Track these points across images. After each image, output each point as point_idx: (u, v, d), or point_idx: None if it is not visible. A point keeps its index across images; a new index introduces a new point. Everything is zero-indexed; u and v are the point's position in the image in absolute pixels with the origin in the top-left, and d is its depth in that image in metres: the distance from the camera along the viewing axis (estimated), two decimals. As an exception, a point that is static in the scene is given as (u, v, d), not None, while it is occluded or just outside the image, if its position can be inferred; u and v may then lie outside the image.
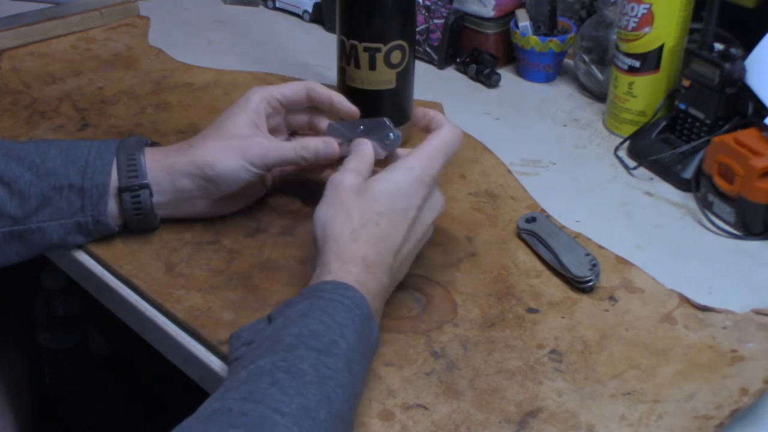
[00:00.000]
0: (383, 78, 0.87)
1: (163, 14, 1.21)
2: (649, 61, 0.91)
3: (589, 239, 0.77)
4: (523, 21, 1.05)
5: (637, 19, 0.89)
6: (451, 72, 1.09)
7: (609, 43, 0.99)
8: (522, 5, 1.06)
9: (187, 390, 0.70)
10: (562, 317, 0.69)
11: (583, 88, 1.05)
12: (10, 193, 0.70)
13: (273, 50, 1.13)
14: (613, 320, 0.68)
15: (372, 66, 0.86)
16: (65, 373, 1.25)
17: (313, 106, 0.78)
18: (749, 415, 0.62)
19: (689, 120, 0.87)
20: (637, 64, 0.91)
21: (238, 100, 0.75)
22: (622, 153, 0.92)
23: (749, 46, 0.84)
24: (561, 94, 1.04)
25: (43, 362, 1.24)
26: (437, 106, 1.00)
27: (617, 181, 0.87)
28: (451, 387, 0.62)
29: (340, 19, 0.86)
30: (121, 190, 0.71)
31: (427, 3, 1.07)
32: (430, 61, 1.10)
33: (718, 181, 0.79)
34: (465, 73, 1.07)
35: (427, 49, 1.09)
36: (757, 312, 0.69)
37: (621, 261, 0.75)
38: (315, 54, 1.11)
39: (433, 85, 1.05)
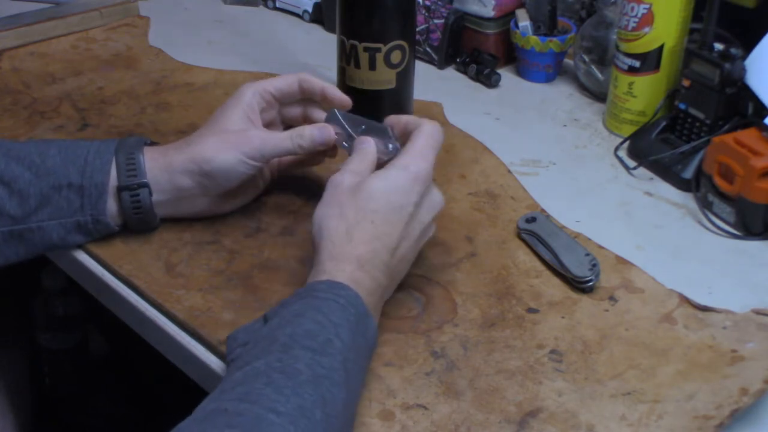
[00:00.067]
0: (383, 78, 0.87)
1: (163, 14, 1.21)
2: (649, 61, 0.91)
3: (589, 239, 0.77)
4: (523, 21, 1.05)
5: (637, 19, 0.89)
6: (451, 72, 1.09)
7: (609, 43, 0.99)
8: (522, 5, 1.06)
9: (187, 390, 0.70)
10: (562, 317, 0.69)
11: (583, 88, 1.05)
12: (9, 192, 0.70)
13: (273, 50, 1.13)
14: (613, 320, 0.68)
15: (372, 66, 0.86)
16: (65, 373, 1.25)
17: (307, 98, 0.78)
18: (749, 415, 0.62)
19: (689, 120, 0.87)
20: (637, 64, 0.91)
21: (231, 96, 0.75)
22: (622, 153, 0.92)
23: (749, 46, 0.84)
24: (561, 94, 1.04)
25: (43, 362, 1.24)
26: (437, 106, 1.00)
27: (617, 181, 0.87)
28: (451, 387, 0.62)
29: (340, 19, 0.87)
30: (120, 189, 0.71)
31: (427, 3, 1.07)
32: (430, 61, 1.10)
33: (718, 181, 0.79)
34: (465, 73, 1.07)
35: (427, 49, 1.09)
36: (757, 312, 0.69)
37: (621, 261, 0.75)
38: (315, 54, 1.11)
39: (433, 85, 1.05)
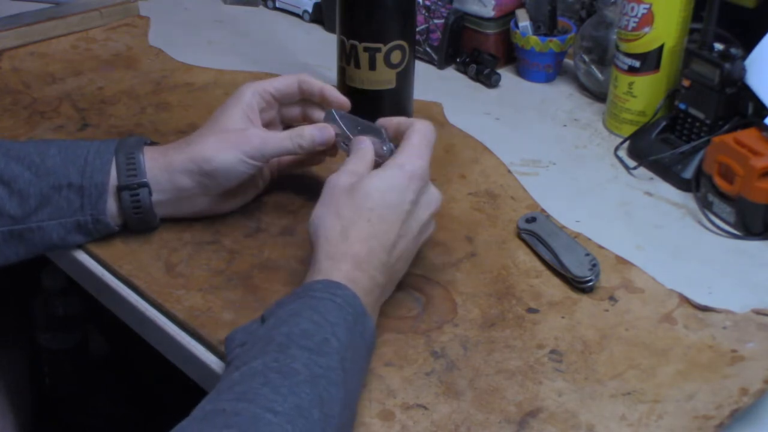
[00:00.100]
0: (383, 78, 0.87)
1: (163, 14, 1.21)
2: (649, 61, 0.91)
3: (589, 239, 0.77)
4: (523, 21, 1.05)
5: (637, 19, 0.89)
6: (451, 72, 1.09)
7: (609, 43, 0.99)
8: (522, 5, 1.06)
9: (187, 390, 0.70)
10: (562, 317, 0.69)
11: (583, 88, 1.05)
12: (9, 192, 0.70)
13: (273, 50, 1.13)
14: (613, 320, 0.68)
15: (372, 66, 0.86)
16: (65, 373, 1.25)
17: (306, 99, 0.78)
18: (749, 415, 0.62)
19: (689, 120, 0.87)
20: (637, 64, 0.91)
21: (231, 96, 0.76)
22: (622, 153, 0.92)
23: (749, 46, 0.84)
24: (561, 94, 1.04)
25: (43, 362, 1.24)
26: (437, 106, 1.00)
27: (617, 181, 0.87)
28: (451, 387, 0.62)
29: (340, 19, 0.87)
30: (120, 189, 0.71)
31: (427, 3, 1.07)
32: (430, 61, 1.10)
33: (718, 181, 0.79)
34: (465, 73, 1.07)
35: (427, 49, 1.09)
36: (757, 312, 0.69)
37: (621, 261, 0.75)
38: (315, 54, 1.11)
39: (433, 85, 1.05)
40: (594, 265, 0.71)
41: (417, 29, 1.00)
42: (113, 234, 0.74)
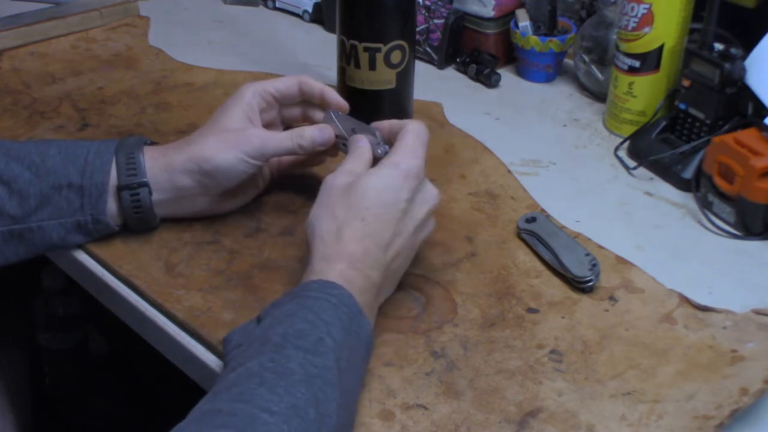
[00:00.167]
0: (383, 78, 0.87)
1: (163, 14, 1.21)
2: (649, 61, 0.91)
3: (589, 239, 0.77)
4: (523, 21, 1.05)
5: (637, 19, 0.89)
6: (451, 72, 1.09)
7: (609, 43, 0.99)
8: (522, 5, 1.06)
9: (187, 390, 0.70)
10: (562, 317, 0.69)
11: (583, 88, 1.05)
12: (9, 192, 0.70)
13: (273, 50, 1.13)
14: (613, 320, 0.68)
15: (372, 66, 0.86)
16: (65, 373, 1.25)
17: (306, 100, 0.78)
18: (749, 415, 0.62)
19: (689, 120, 0.87)
20: (637, 64, 0.91)
21: (231, 96, 0.76)
22: (622, 153, 0.92)
23: (749, 46, 0.84)
24: (561, 94, 1.04)
25: (43, 362, 1.24)
26: (437, 106, 1.00)
27: (617, 181, 0.87)
28: (451, 387, 0.62)
29: (340, 19, 0.86)
30: (120, 189, 0.71)
31: (427, 3, 1.07)
32: (430, 61, 1.10)
33: (718, 181, 0.79)
34: (465, 73, 1.07)
35: (427, 49, 1.09)
36: (757, 312, 0.69)
37: (621, 261, 0.75)
38: (315, 54, 1.11)
39: (433, 85, 1.05)
40: (594, 265, 0.71)
41: (417, 29, 1.00)
42: (113, 234, 0.74)
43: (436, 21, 1.07)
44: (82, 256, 0.74)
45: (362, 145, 0.69)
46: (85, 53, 1.10)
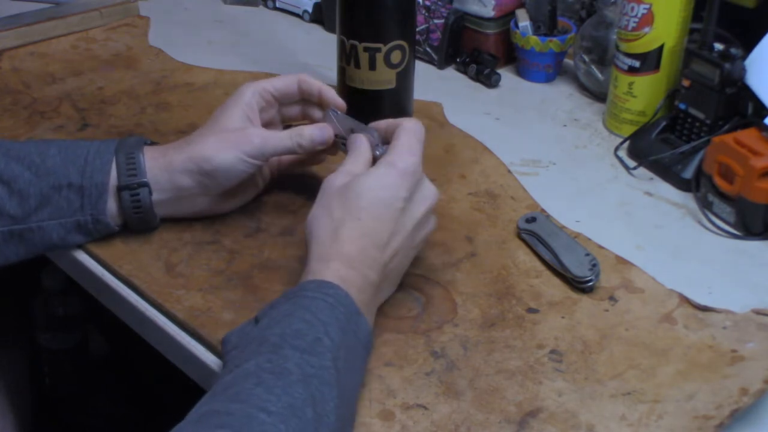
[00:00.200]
0: (383, 78, 0.87)
1: (163, 14, 1.21)
2: (649, 61, 0.91)
3: (589, 239, 0.77)
4: (523, 21, 1.05)
5: (637, 19, 0.89)
6: (451, 72, 1.09)
7: (609, 43, 0.99)
8: (522, 5, 1.06)
9: (187, 390, 0.70)
10: (562, 317, 0.69)
11: (583, 88, 1.05)
12: (9, 192, 0.70)
13: (273, 50, 1.13)
14: (613, 320, 0.68)
15: (372, 66, 0.86)
16: (65, 373, 1.25)
17: (305, 98, 0.78)
18: (749, 415, 0.62)
19: (689, 120, 0.87)
20: (637, 64, 0.91)
21: (231, 96, 0.76)
22: (622, 153, 0.92)
23: (749, 46, 0.84)
24: (561, 94, 1.04)
25: (43, 362, 1.24)
26: (437, 106, 1.00)
27: (617, 181, 0.87)
28: (451, 387, 0.62)
29: (340, 19, 0.86)
30: (120, 189, 0.71)
31: (427, 3, 1.07)
32: (430, 61, 1.10)
33: (718, 181, 0.79)
34: (465, 73, 1.07)
35: (427, 49, 1.09)
36: (757, 312, 0.69)
37: (621, 261, 0.75)
38: (315, 54, 1.11)
39: (433, 85, 1.05)
40: (594, 265, 0.71)
41: (417, 29, 1.00)
42: (113, 234, 0.74)
43: (436, 21, 1.07)
44: (82, 256, 0.74)
45: (362, 145, 0.69)
46: (85, 53, 1.10)
